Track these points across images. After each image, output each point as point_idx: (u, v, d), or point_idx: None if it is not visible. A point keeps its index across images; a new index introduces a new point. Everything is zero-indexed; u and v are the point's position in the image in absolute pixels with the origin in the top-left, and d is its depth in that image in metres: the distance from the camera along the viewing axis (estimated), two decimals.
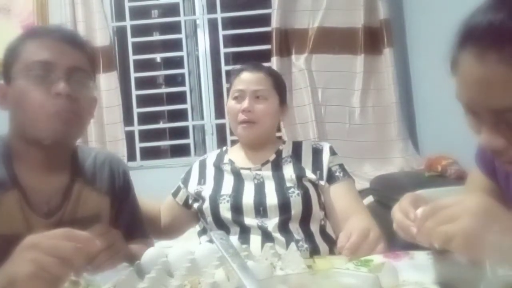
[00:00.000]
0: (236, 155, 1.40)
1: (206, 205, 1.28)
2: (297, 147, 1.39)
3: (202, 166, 1.42)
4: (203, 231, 1.35)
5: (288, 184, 1.27)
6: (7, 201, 0.93)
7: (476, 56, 0.62)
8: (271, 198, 1.25)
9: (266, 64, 2.53)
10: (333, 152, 1.37)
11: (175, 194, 1.43)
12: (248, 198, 1.26)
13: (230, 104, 1.36)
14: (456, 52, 0.67)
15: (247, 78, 1.35)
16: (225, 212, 1.25)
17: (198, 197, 1.33)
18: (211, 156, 1.46)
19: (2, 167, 0.96)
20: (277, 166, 1.34)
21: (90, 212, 1.04)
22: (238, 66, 1.45)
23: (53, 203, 0.99)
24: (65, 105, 0.94)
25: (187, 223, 1.44)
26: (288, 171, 1.31)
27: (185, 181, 1.41)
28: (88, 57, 1.02)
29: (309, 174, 1.31)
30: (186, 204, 1.40)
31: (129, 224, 1.13)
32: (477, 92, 0.64)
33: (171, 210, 1.42)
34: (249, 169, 1.33)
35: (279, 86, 1.40)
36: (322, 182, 1.31)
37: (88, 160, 1.10)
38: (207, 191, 1.31)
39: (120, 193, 1.13)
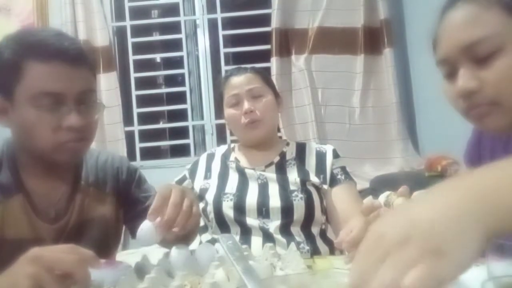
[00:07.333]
0: (240, 155, 1.41)
1: (210, 201, 1.28)
2: (301, 149, 1.39)
3: (210, 159, 1.43)
4: (205, 228, 1.36)
5: (292, 188, 1.28)
6: (12, 206, 0.93)
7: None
8: (275, 201, 1.26)
9: (265, 65, 2.57)
10: (336, 155, 1.37)
11: (179, 183, 1.43)
12: (251, 198, 1.27)
13: (228, 112, 1.36)
14: (440, 20, 0.83)
15: (238, 81, 1.35)
16: (228, 210, 1.26)
17: (202, 193, 1.34)
18: (219, 149, 1.47)
19: (8, 172, 0.95)
20: (281, 169, 1.34)
21: (97, 213, 1.04)
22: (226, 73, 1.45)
23: (58, 208, 0.99)
24: (76, 136, 0.91)
25: None
26: (293, 174, 1.31)
27: (192, 173, 1.42)
28: (92, 70, 0.97)
29: (313, 177, 1.31)
30: None
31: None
32: (454, 32, 0.78)
33: None
34: (253, 169, 1.34)
35: (268, 80, 1.42)
36: (325, 186, 1.31)
37: (90, 161, 1.09)
38: (212, 187, 1.32)
39: (124, 188, 1.13)
